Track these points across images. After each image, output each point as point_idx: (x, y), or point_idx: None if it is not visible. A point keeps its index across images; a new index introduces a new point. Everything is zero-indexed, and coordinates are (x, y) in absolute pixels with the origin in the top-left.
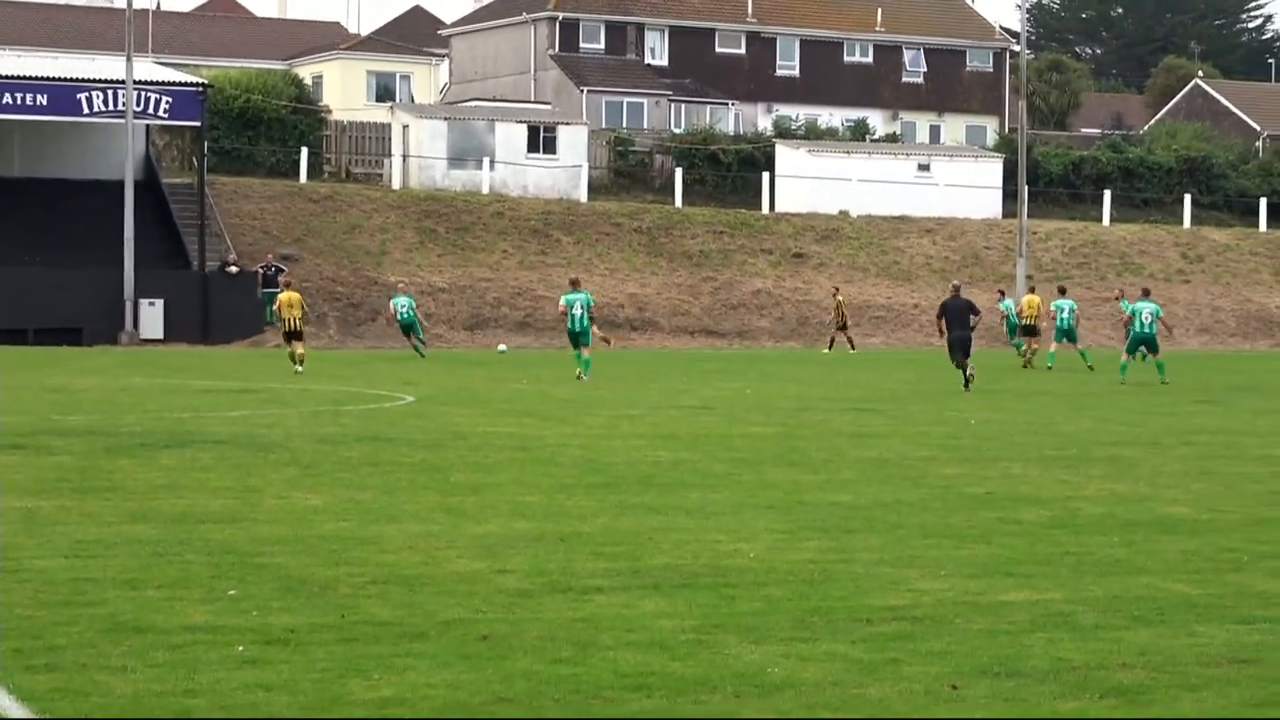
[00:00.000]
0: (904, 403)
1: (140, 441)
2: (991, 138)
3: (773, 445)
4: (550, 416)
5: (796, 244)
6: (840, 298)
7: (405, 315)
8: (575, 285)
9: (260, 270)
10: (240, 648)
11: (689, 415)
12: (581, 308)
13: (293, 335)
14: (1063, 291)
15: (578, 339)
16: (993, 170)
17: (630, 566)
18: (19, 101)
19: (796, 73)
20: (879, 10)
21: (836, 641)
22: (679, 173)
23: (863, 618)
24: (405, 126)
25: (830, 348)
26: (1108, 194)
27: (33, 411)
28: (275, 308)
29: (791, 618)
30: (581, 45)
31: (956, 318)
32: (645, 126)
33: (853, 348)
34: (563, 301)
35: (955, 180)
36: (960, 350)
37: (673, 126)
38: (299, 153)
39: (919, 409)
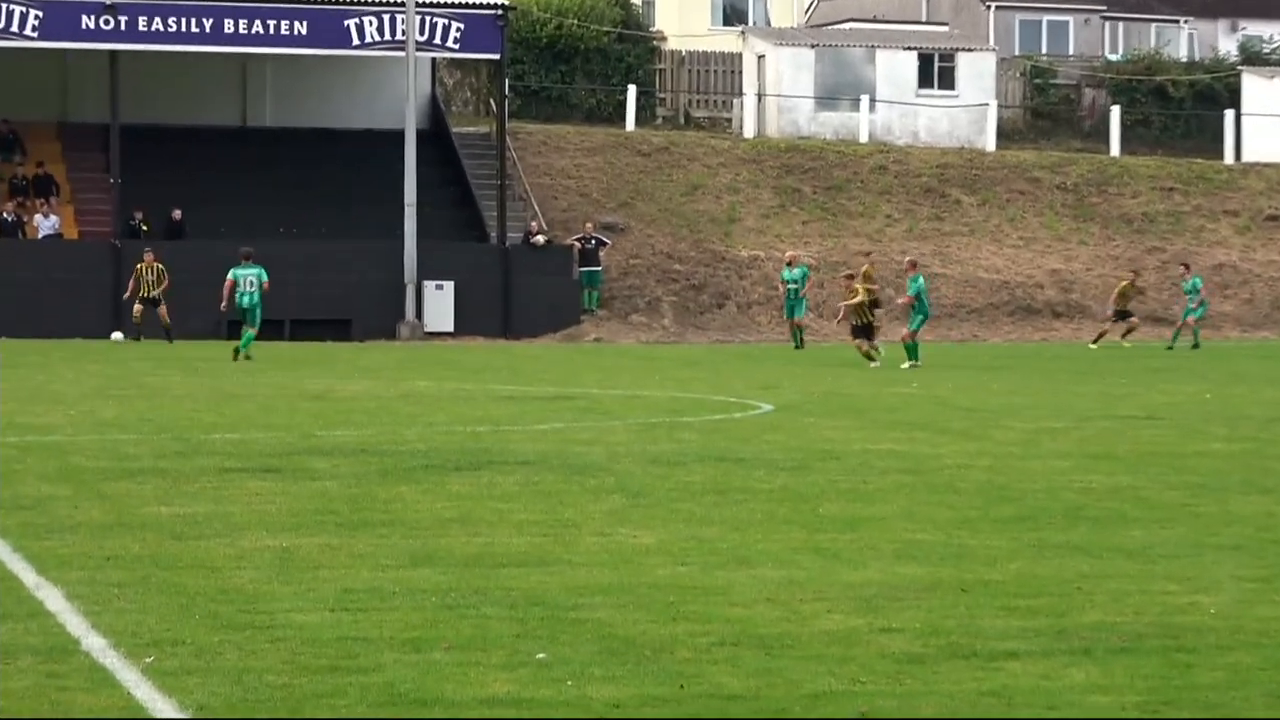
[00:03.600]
0: None
1: (424, 463)
2: None
3: (1239, 467)
4: (948, 429)
5: (1271, 203)
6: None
7: (248, 297)
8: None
9: (577, 243)
10: None
11: (1129, 427)
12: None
13: (150, 302)
14: None
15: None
16: None
17: (1053, 625)
18: (270, 31)
19: None
20: None
21: None
22: (1115, 112)
23: None
24: (760, 57)
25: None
26: None
27: (289, 426)
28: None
29: (1266, 691)
30: None
31: None
32: (1071, 53)
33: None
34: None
35: None
36: None
37: (1107, 52)
38: (625, 92)
39: None
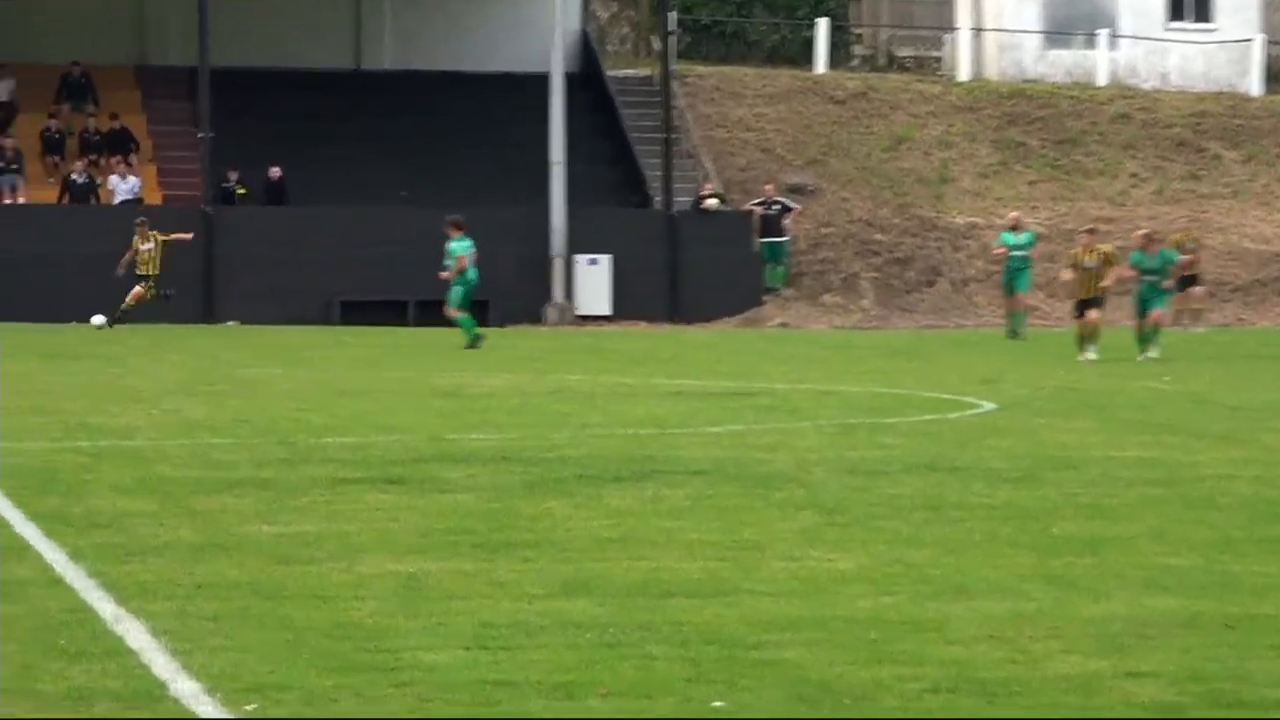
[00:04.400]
0: None
1: (577, 472)
2: None
3: None
4: (1206, 433)
5: None
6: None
7: (472, 272)
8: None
9: (757, 209)
10: None
11: None
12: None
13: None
14: None
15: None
16: None
17: None
18: None
19: None
20: None
21: None
22: None
23: None
24: None
25: None
26: None
27: (415, 427)
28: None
29: None
30: None
31: None
32: None
33: None
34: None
35: None
36: None
37: None
38: (814, 28)
39: None
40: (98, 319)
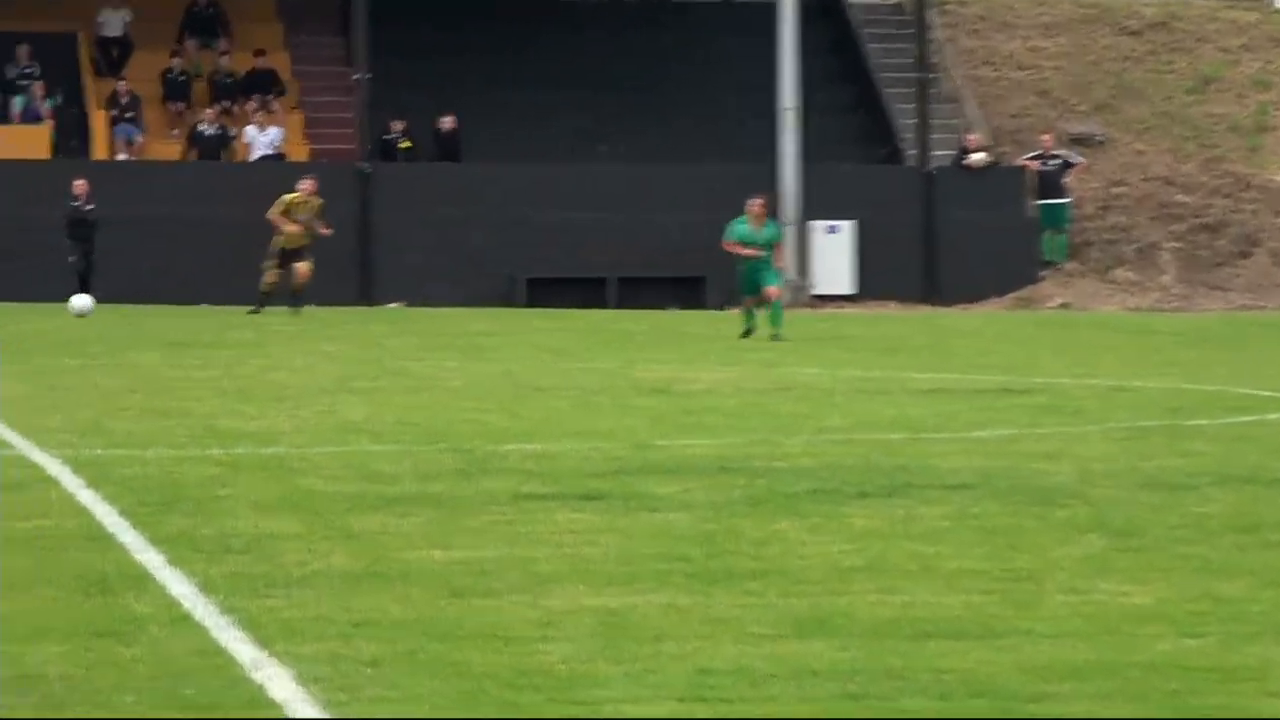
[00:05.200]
0: None
1: (813, 486)
2: None
3: None
4: None
5: None
6: None
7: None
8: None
9: (1033, 164)
10: None
11: None
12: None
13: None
14: None
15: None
16: None
17: None
18: None
19: None
20: None
21: None
22: None
23: None
24: None
25: None
26: None
27: (617, 432)
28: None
29: None
30: None
31: None
32: None
33: None
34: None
35: None
36: None
37: None
38: None
39: None
40: (80, 302)
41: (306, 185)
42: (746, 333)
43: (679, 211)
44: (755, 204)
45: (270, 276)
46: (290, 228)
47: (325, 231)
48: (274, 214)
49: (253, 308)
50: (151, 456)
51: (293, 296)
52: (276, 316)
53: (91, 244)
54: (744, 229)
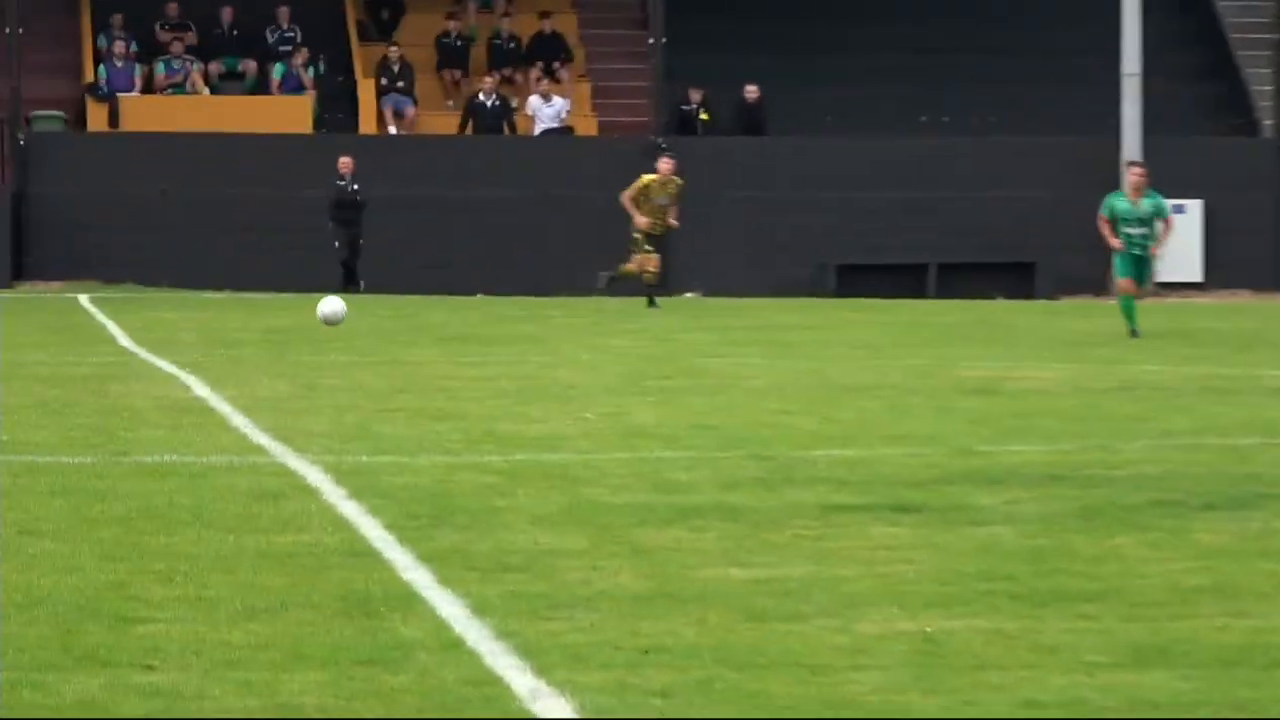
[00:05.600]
0: None
1: (1155, 497)
2: None
3: None
4: None
5: None
6: None
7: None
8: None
9: None
10: None
11: None
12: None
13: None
14: None
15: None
16: None
17: None
18: None
19: None
20: None
21: None
22: None
23: None
24: None
25: None
26: None
27: (936, 436)
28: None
29: None
30: None
31: None
32: None
33: None
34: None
35: None
36: None
37: None
38: None
39: None
40: (330, 306)
41: (666, 165)
42: (1133, 331)
43: (1008, 189)
44: (1135, 172)
45: (644, 264)
46: (640, 219)
47: (674, 223)
48: (628, 196)
49: (648, 300)
50: (422, 464)
51: (646, 288)
52: (558, 308)
53: (358, 228)
54: (1122, 203)
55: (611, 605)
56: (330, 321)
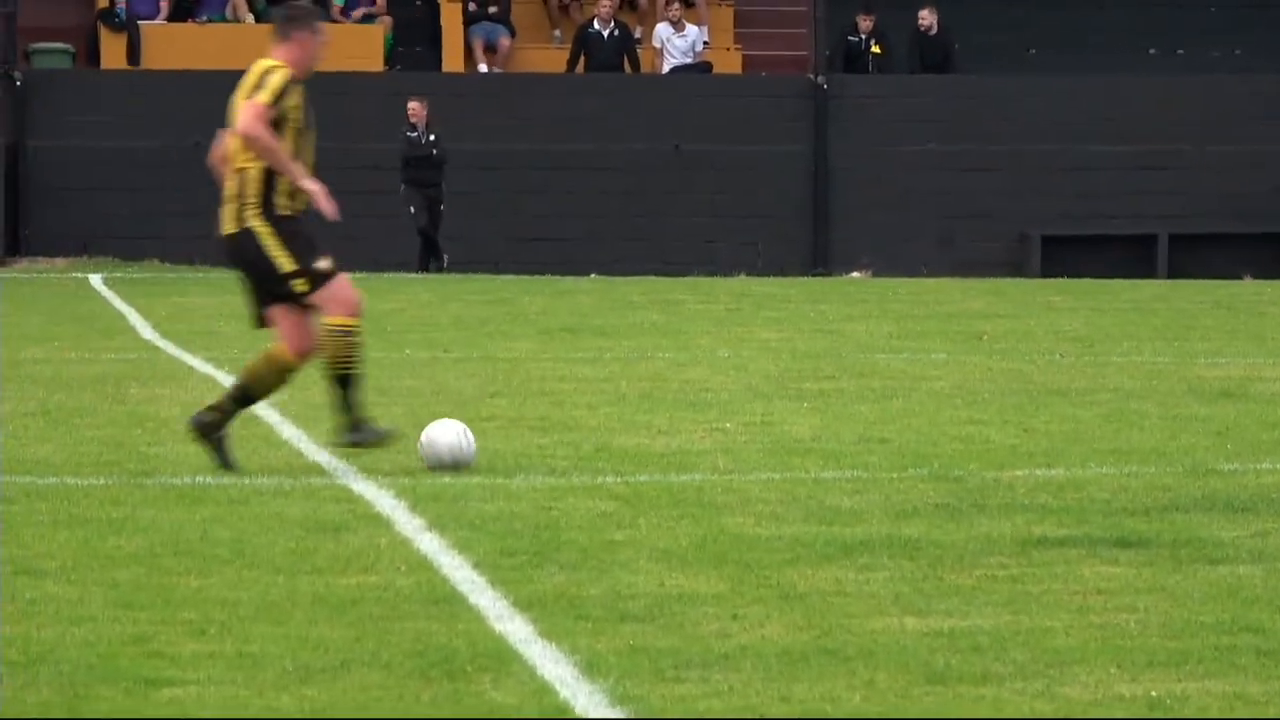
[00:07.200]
0: None
1: None
2: None
3: None
4: None
5: None
6: None
7: None
8: None
9: None
10: None
11: None
12: None
13: None
14: None
15: None
16: None
17: None
18: None
19: None
20: None
21: None
22: None
23: None
24: None
25: None
26: None
27: (1168, 452)
28: None
29: None
30: None
31: None
32: None
33: None
34: None
35: None
36: None
37: None
38: None
39: None
40: (445, 440)
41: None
42: None
43: (1258, 142)
44: None
45: None
46: None
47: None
48: None
49: None
50: (520, 487)
51: None
52: (690, 292)
53: (438, 189)
54: None
55: (757, 663)
56: (444, 463)
